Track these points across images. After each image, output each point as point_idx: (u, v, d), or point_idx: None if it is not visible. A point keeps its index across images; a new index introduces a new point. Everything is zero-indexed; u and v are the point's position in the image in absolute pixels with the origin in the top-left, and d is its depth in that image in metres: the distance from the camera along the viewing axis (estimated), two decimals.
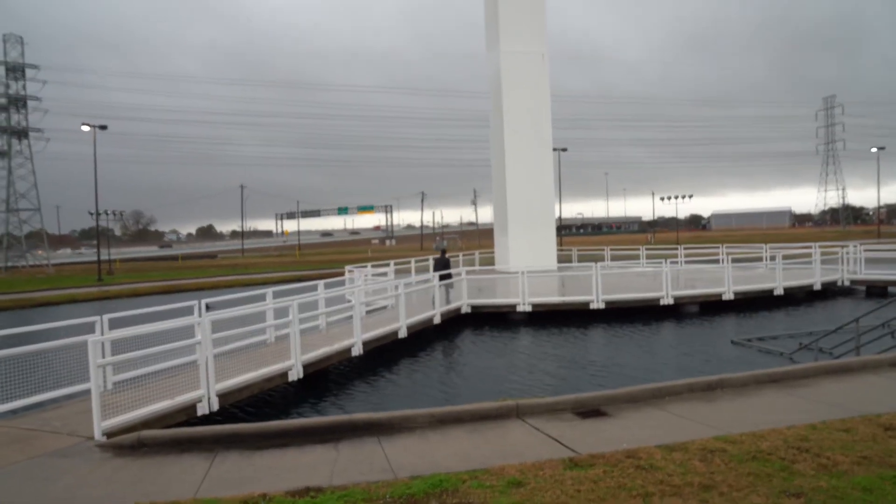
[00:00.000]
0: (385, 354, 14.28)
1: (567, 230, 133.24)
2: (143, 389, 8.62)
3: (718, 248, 31.77)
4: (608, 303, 18.68)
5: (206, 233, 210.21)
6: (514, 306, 18.76)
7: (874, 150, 74.67)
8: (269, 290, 14.98)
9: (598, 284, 18.67)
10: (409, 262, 28.04)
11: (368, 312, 17.71)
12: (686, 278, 23.11)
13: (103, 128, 47.60)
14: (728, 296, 19.60)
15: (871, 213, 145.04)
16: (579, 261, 34.25)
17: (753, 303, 19.98)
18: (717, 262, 27.34)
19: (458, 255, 33.10)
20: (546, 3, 31.28)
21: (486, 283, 22.69)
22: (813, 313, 19.11)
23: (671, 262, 20.80)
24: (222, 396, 9.28)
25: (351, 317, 13.68)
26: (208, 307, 13.19)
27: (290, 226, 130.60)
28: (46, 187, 77.50)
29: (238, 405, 10.22)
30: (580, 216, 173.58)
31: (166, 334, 9.32)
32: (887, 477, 5.16)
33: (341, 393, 11.60)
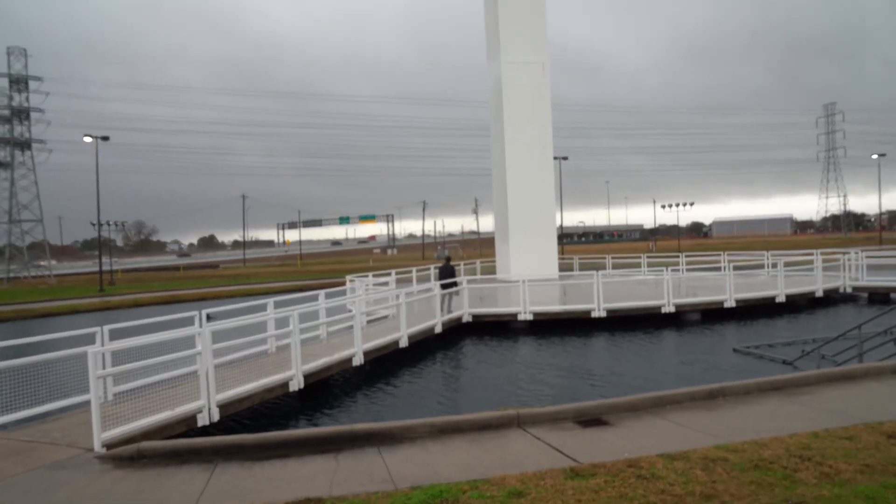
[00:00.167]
0: (386, 364, 14.26)
1: (568, 238, 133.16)
2: (143, 400, 8.61)
3: (720, 255, 31.72)
4: (610, 311, 18.65)
5: (208, 243, 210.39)
6: (515, 315, 18.73)
7: (875, 156, 74.72)
8: (270, 300, 14.97)
9: (600, 293, 18.65)
10: (410, 272, 28.04)
11: (369, 322, 17.69)
12: (687, 286, 23.08)
13: (105, 139, 47.77)
14: (730, 303, 19.56)
15: (872, 219, 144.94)
16: (581, 269, 34.22)
17: (755, 310, 19.93)
18: (718, 269, 27.28)
19: (459, 264, 33.08)
20: (546, 12, 31.44)
21: (488, 291, 22.68)
22: (815, 320, 19.06)
23: (672, 270, 20.77)
24: (223, 407, 9.26)
25: (352, 326, 13.67)
26: (209, 317, 13.19)
27: (291, 235, 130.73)
28: (49, 198, 77.77)
29: (239, 416, 10.20)
30: (582, 224, 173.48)
31: (167, 345, 9.30)
32: (890, 485, 5.12)
33: (342, 403, 11.57)
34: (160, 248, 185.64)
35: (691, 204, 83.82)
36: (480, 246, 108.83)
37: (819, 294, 21.90)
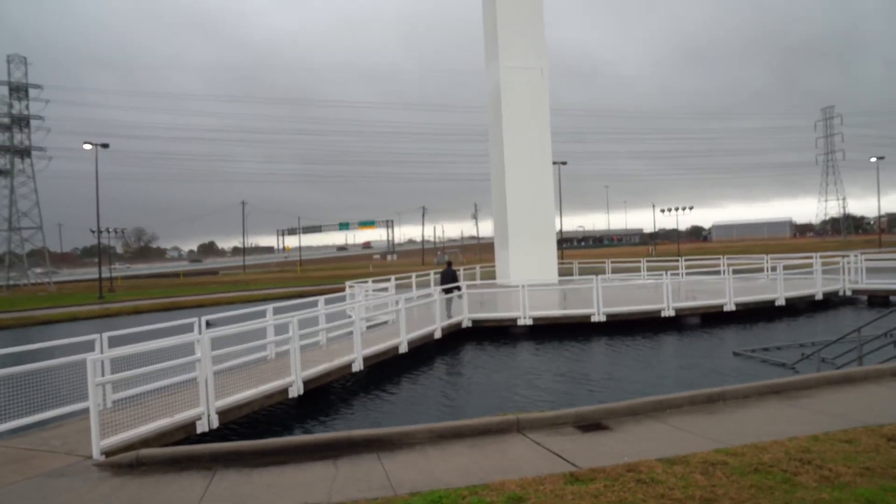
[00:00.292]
0: (386, 370, 14.24)
1: (568, 243, 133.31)
2: (142, 407, 8.61)
3: (719, 259, 31.74)
4: (609, 316, 18.64)
5: (208, 249, 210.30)
6: (515, 320, 18.71)
7: (873, 159, 74.90)
8: (270, 307, 14.96)
9: (599, 297, 18.64)
10: (410, 277, 28.04)
11: (369, 328, 17.67)
12: (687, 290, 23.07)
13: (105, 146, 47.83)
14: (729, 307, 19.56)
15: (871, 222, 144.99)
16: (580, 274, 34.20)
17: (755, 314, 19.92)
18: (718, 273, 27.29)
19: (458, 269, 33.08)
20: (545, 18, 31.54)
21: (487, 296, 22.67)
22: (814, 324, 19.05)
23: (672, 274, 20.78)
24: (222, 414, 9.25)
25: (351, 332, 13.66)
26: (208, 324, 13.17)
27: (291, 242, 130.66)
28: (48, 206, 78.02)
29: (238, 422, 10.17)
30: (581, 229, 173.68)
31: (166, 352, 9.30)
32: (890, 488, 5.12)
33: (341, 409, 11.55)
34: (160, 254, 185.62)
35: (690, 208, 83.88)
36: (480, 251, 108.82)
37: (819, 297, 21.90)
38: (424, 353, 16.03)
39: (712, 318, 19.30)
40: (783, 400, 8.49)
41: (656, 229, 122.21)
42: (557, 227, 41.27)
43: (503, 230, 31.41)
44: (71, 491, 6.27)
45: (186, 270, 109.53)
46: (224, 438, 9.06)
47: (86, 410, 8.06)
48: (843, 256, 24.82)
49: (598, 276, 20.18)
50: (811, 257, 24.92)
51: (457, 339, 17.91)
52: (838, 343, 12.75)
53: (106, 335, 10.26)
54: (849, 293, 23.28)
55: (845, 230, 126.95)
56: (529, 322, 18.54)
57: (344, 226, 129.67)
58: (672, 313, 18.95)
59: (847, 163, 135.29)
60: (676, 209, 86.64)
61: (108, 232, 74.56)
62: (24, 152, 68.91)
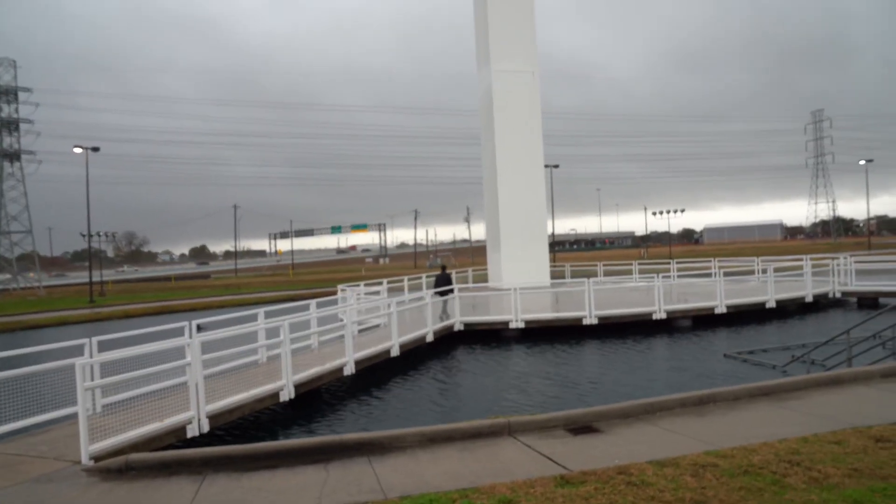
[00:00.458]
0: (377, 373, 14.22)
1: (560, 246, 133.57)
2: (132, 412, 8.55)
3: (710, 261, 31.85)
4: (601, 318, 18.68)
5: (200, 253, 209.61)
6: (507, 323, 18.73)
7: (862, 162, 75.42)
8: (261, 311, 14.92)
9: (591, 300, 18.68)
10: (402, 281, 28.00)
11: (361, 331, 17.64)
12: (678, 292, 23.14)
13: (95, 150, 47.57)
14: (720, 309, 19.65)
15: (861, 224, 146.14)
16: (572, 276, 34.27)
17: (745, 316, 20.02)
18: (709, 275, 27.38)
19: (451, 273, 33.03)
20: (536, 21, 31.62)
21: (479, 300, 22.66)
22: (805, 325, 19.17)
23: (664, 277, 20.84)
24: (212, 418, 9.21)
25: (343, 336, 13.63)
26: (199, 328, 13.11)
27: (283, 245, 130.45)
28: (38, 209, 77.27)
29: (229, 427, 10.13)
30: (573, 232, 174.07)
31: (156, 356, 9.24)
32: (877, 489, 5.15)
33: (333, 413, 11.52)
34: (151, 258, 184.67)
35: (682, 211, 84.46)
36: (472, 254, 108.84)
37: (809, 299, 22.04)
38: (416, 356, 16.02)
39: (703, 321, 19.38)
40: (773, 402, 8.53)
41: (648, 232, 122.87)
42: (549, 230, 41.36)
43: (495, 233, 31.43)
44: (59, 496, 6.22)
45: (178, 274, 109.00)
46: (215, 443, 9.02)
47: (74, 415, 8.00)
48: (833, 259, 24.98)
49: (590, 278, 20.23)
50: (801, 259, 25.04)
51: (449, 342, 17.91)
52: (828, 345, 12.82)
53: (95, 339, 10.20)
54: (838, 295, 23.44)
55: (835, 232, 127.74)
56: (521, 325, 18.56)
57: (336, 229, 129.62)
58: (663, 316, 19.02)
59: (837, 166, 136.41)
60: (668, 212, 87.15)
61: (99, 236, 74.28)
62: (14, 156, 68.46)
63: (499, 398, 11.82)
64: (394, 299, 16.50)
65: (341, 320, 15.22)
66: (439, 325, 17.80)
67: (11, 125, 67.70)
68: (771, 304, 20.65)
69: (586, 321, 18.57)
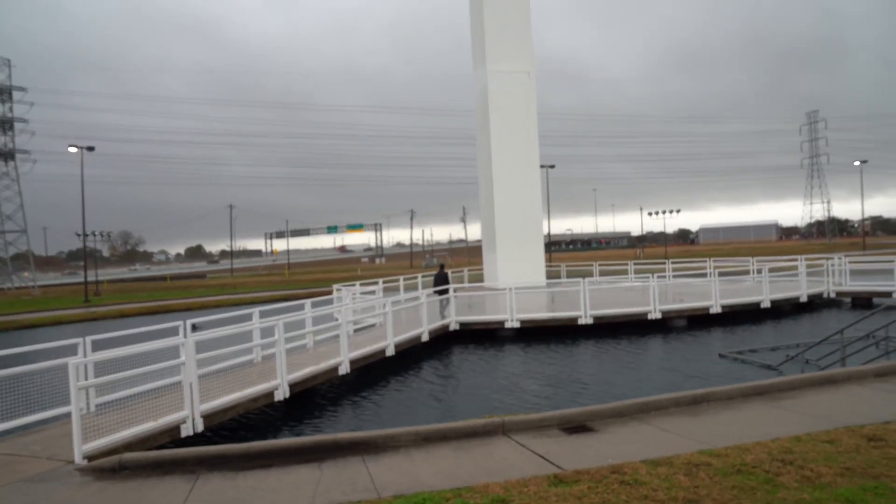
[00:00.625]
0: (373, 373, 14.21)
1: (556, 246, 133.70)
2: (126, 411, 8.53)
3: (706, 261, 31.93)
4: (596, 318, 18.71)
5: (195, 253, 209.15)
6: (502, 323, 18.74)
7: (857, 163, 75.65)
8: (256, 310, 14.90)
9: (587, 300, 18.70)
10: (398, 280, 28.00)
11: (357, 331, 17.64)
12: (674, 292, 23.19)
13: (90, 149, 47.39)
14: (715, 309, 19.69)
15: (856, 225, 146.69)
16: (568, 276, 34.30)
17: (740, 316, 20.06)
18: (704, 275, 27.48)
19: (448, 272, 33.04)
20: (532, 22, 31.65)
21: (475, 299, 22.66)
22: (799, 325, 19.22)
23: (659, 277, 20.89)
24: (207, 417, 9.19)
25: (338, 335, 13.62)
26: (194, 327, 13.08)
27: (279, 245, 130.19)
28: (33, 209, 77.33)
29: (223, 426, 10.11)
30: (569, 232, 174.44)
31: (151, 355, 9.21)
32: (869, 488, 5.17)
33: (328, 412, 11.51)
34: (147, 258, 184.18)
35: (678, 211, 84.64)
36: (468, 254, 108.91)
37: (803, 299, 22.10)
38: (411, 355, 16.01)
39: (699, 321, 19.42)
40: (767, 401, 8.55)
41: (644, 232, 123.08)
42: (545, 230, 41.40)
43: (491, 233, 31.45)
44: (51, 496, 6.20)
45: (174, 274, 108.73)
46: (209, 442, 9.00)
47: (68, 415, 7.98)
48: (828, 259, 25.07)
49: (586, 278, 20.25)
50: (796, 260, 25.12)
51: (444, 341, 17.91)
52: (822, 344, 12.88)
53: (89, 339, 10.18)
54: (833, 295, 23.51)
55: (830, 233, 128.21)
56: (517, 325, 18.57)
57: (332, 229, 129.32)
58: (659, 315, 19.05)
59: (832, 166, 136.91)
60: (664, 212, 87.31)
61: (94, 235, 73.98)
62: (8, 155, 68.28)
63: (493, 397, 11.82)
64: (389, 299, 16.49)
65: (336, 320, 15.22)
66: (435, 325, 17.80)
67: (5, 124, 67.49)
68: (766, 304, 20.70)
69: (582, 321, 18.59)
